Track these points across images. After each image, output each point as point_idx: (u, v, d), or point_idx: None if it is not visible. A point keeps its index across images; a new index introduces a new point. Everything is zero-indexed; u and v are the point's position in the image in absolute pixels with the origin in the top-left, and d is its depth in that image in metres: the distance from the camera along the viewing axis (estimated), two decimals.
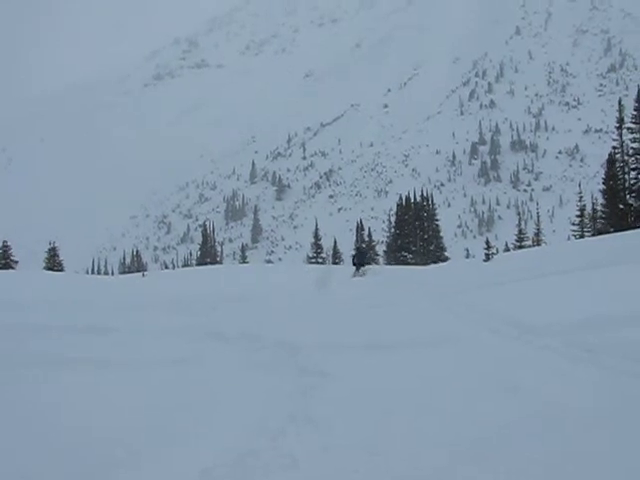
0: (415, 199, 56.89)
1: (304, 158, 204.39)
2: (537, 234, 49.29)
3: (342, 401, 7.18)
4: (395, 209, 59.65)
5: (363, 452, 5.69)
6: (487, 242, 31.98)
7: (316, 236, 57.57)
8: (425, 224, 55.04)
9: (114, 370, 8.96)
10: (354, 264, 26.09)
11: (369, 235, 60.02)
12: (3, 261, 42.94)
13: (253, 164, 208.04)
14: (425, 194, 58.38)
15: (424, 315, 13.36)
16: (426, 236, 54.32)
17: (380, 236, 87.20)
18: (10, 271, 38.49)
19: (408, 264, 45.76)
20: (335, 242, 63.23)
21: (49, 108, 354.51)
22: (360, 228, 60.55)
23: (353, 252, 26.68)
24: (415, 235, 53.92)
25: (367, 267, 26.05)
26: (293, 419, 6.71)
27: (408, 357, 9.19)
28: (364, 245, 26.48)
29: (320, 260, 56.42)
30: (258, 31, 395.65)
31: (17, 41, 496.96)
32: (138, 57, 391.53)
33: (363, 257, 26.42)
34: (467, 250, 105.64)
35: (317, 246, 57.34)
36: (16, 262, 43.77)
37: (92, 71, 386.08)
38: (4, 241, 44.40)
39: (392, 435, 5.99)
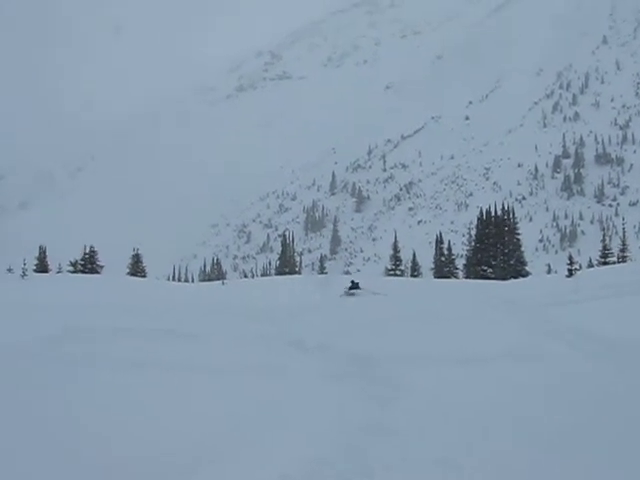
0: (496, 213, 56.28)
1: (384, 170, 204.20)
2: (623, 250, 48.11)
3: (419, 414, 7.27)
4: (475, 222, 59.13)
5: (438, 466, 5.77)
6: (570, 257, 31.42)
7: (395, 248, 57.52)
8: (506, 238, 54.39)
9: (197, 375, 9.29)
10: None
11: (448, 248, 59.68)
12: (89, 266, 44.42)
13: (333, 175, 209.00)
14: (506, 208, 57.70)
15: (499, 328, 13.33)
16: (507, 250, 53.67)
17: (459, 250, 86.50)
18: (96, 276, 39.79)
19: (488, 278, 45.37)
20: (414, 255, 63.02)
21: (134, 117, 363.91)
22: (439, 241, 60.25)
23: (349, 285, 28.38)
24: (495, 249, 53.32)
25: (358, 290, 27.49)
26: (368, 430, 6.85)
27: (487, 371, 9.20)
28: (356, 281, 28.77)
29: (399, 272, 56.32)
30: (340, 43, 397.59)
31: (114, 45, 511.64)
32: (221, 69, 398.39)
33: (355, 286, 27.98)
34: (548, 265, 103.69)
35: (396, 258, 57.25)
36: (102, 267, 45.22)
37: (176, 83, 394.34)
38: (91, 246, 45.97)
39: (469, 452, 6.03)
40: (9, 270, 43.43)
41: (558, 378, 8.45)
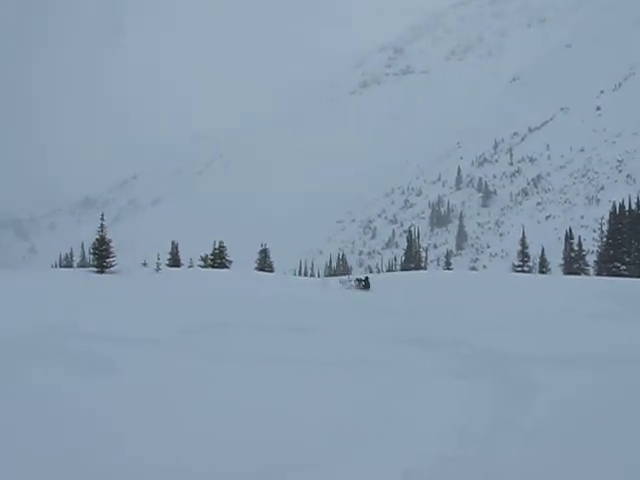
0: (630, 207, 54.75)
1: (511, 164, 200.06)
2: None
3: (553, 414, 7.59)
4: (607, 217, 57.69)
5: (572, 467, 6.10)
6: None
7: (523, 244, 56.86)
8: None
9: (316, 368, 10.01)
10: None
11: (579, 244, 58.52)
12: (219, 261, 46.29)
13: (459, 170, 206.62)
14: None
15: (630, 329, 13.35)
16: None
17: (590, 246, 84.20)
18: (225, 270, 41.52)
19: (621, 275, 44.35)
20: (543, 251, 62.11)
21: (261, 109, 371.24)
22: (569, 237, 59.15)
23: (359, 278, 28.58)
24: (630, 245, 51.90)
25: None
26: (498, 428, 7.22)
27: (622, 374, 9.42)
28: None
29: (527, 269, 55.67)
30: (464, 35, 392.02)
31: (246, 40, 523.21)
32: (345, 65, 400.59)
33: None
34: None
35: (524, 254, 56.58)
36: (230, 262, 47.02)
37: (300, 80, 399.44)
38: (220, 242, 47.84)
39: (596, 457, 6.30)
40: (144, 264, 45.95)
41: None
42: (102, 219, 33.47)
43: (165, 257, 45.63)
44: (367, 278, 27.98)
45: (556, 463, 6.45)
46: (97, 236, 32.81)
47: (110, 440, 7.11)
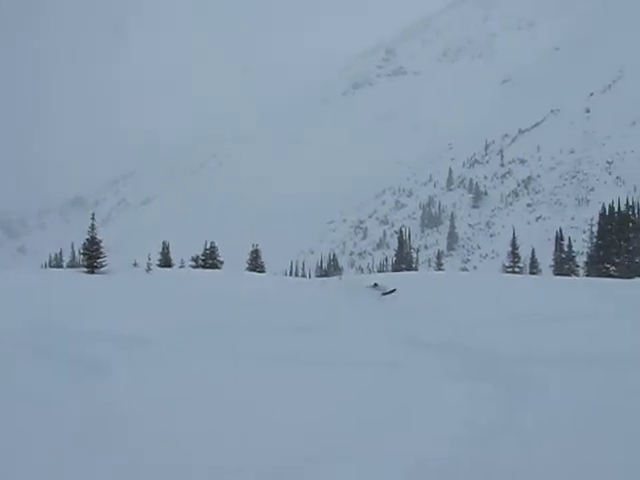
0: (619, 208, 54.94)
1: (502, 165, 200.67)
2: None
3: (549, 414, 7.60)
4: (597, 219, 57.92)
5: (571, 470, 6.10)
6: None
7: (513, 245, 57.04)
8: (630, 235, 53.04)
9: (322, 368, 9.99)
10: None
11: (569, 245, 58.77)
12: (210, 261, 46.25)
13: (450, 171, 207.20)
14: (631, 203, 56.25)
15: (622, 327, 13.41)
16: (631, 248, 52.34)
17: (580, 247, 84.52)
18: (216, 271, 41.48)
19: (611, 276, 44.52)
20: (533, 252, 62.35)
21: (254, 113, 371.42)
22: (559, 238, 59.41)
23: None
24: (619, 247, 52.09)
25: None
26: (500, 429, 7.22)
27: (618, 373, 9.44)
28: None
29: (517, 270, 55.86)
30: (454, 37, 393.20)
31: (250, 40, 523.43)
32: (337, 67, 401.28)
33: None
34: None
35: (514, 255, 56.76)
36: (222, 262, 46.99)
37: (292, 80, 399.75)
38: (211, 242, 47.81)
39: (598, 457, 6.32)
40: (135, 265, 45.75)
41: None
42: (92, 219, 33.31)
43: (156, 257, 45.46)
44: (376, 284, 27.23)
45: (556, 464, 6.49)
46: (87, 236, 32.62)
47: (102, 444, 7.05)
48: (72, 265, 70.33)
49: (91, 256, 31.48)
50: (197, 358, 10.86)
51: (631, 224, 53.67)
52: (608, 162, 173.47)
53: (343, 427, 7.48)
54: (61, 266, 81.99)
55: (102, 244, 32.04)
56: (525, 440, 6.91)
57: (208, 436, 6.95)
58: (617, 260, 51.20)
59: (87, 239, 32.41)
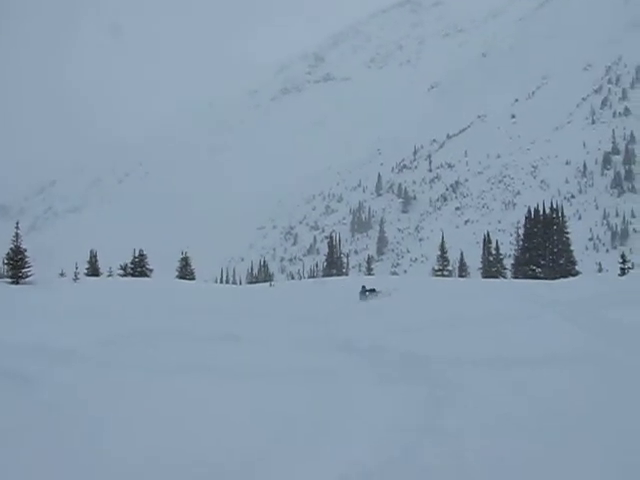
0: (544, 211, 55.91)
1: (430, 170, 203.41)
2: None
3: (474, 415, 7.49)
4: (523, 222, 58.85)
5: (492, 467, 6.01)
6: (623, 256, 31.26)
7: (442, 249, 57.42)
8: (554, 237, 54.02)
9: (248, 379, 9.63)
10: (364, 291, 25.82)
11: (496, 248, 59.57)
12: (139, 269, 45.34)
13: (379, 176, 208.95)
14: (555, 206, 57.30)
15: (548, 329, 13.47)
16: (555, 249, 53.32)
17: (507, 249, 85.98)
18: (145, 279, 40.63)
19: (537, 278, 45.20)
20: (462, 255, 63.07)
21: (183, 120, 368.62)
22: (487, 241, 60.20)
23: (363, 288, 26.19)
24: (544, 248, 53.01)
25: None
26: (426, 431, 7.08)
27: (536, 375, 9.40)
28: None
29: (446, 273, 56.34)
30: (383, 44, 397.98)
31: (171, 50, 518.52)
32: (267, 72, 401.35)
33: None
34: (599, 264, 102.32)
35: (443, 259, 57.19)
36: (151, 270, 46.12)
37: (221, 88, 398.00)
38: (140, 250, 46.88)
39: (527, 456, 6.23)
40: (61, 274, 44.44)
41: (613, 380, 8.57)
42: (17, 228, 32.09)
43: (84, 266, 44.26)
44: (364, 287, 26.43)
45: (479, 462, 6.39)
46: (11, 245, 31.42)
47: (21, 460, 6.53)
48: None
49: (15, 266, 30.27)
50: (116, 369, 10.35)
51: (555, 227, 54.68)
52: (533, 166, 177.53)
53: (257, 441, 7.13)
54: None
55: (27, 253, 30.89)
56: (449, 440, 6.86)
57: (107, 453, 6.55)
58: (542, 262, 52.07)
59: (11, 249, 31.13)
